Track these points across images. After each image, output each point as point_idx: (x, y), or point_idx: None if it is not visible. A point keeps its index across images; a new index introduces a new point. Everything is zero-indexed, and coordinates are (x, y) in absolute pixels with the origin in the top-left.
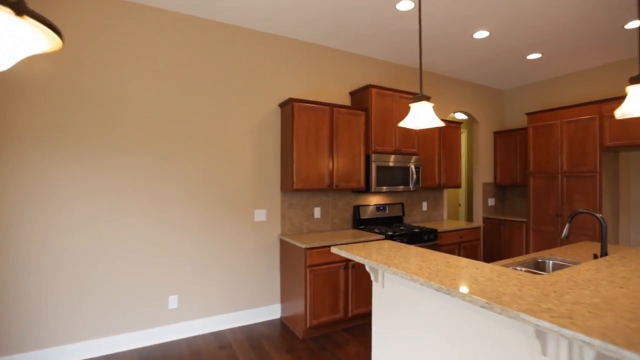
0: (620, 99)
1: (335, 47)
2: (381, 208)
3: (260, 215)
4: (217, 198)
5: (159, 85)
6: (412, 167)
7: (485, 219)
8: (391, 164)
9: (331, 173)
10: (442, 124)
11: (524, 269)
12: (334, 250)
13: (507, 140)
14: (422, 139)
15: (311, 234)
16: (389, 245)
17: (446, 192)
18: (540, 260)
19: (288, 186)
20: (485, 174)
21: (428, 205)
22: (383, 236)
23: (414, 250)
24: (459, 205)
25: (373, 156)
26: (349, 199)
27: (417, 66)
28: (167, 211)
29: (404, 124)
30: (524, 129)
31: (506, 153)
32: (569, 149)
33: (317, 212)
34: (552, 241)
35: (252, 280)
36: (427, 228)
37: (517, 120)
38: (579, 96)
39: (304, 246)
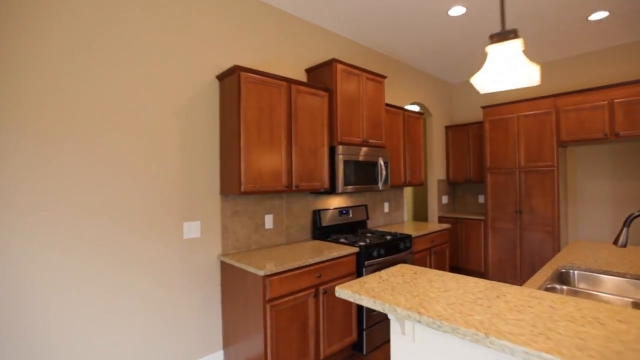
0: (577, 92)
1: (290, 12)
2: (344, 212)
3: (191, 229)
4: (128, 209)
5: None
6: (381, 162)
7: (440, 218)
8: (359, 159)
9: (290, 170)
10: (538, 79)
11: (565, 287)
12: (343, 295)
13: (459, 135)
14: (388, 130)
15: (263, 251)
16: (425, 276)
17: (406, 191)
18: (563, 270)
19: (233, 188)
20: (438, 170)
21: (390, 206)
22: (356, 249)
23: (471, 283)
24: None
25: (339, 148)
26: (306, 202)
27: (386, 52)
28: (38, 228)
29: (479, 81)
30: (477, 123)
31: (458, 148)
32: (526, 143)
33: (268, 221)
34: (511, 239)
35: (182, 323)
36: (401, 234)
37: (466, 114)
38: (533, 91)
39: (261, 273)
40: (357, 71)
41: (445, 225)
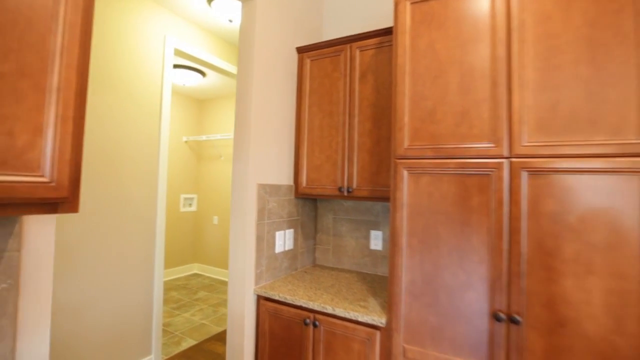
0: None
1: None
2: None
3: None
4: None
5: None
6: None
7: (263, 304)
8: None
9: None
10: None
11: None
12: None
13: (331, 74)
14: None
15: None
16: None
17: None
18: None
19: None
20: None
21: None
22: None
23: None
24: None
25: None
26: None
27: None
28: None
29: None
30: (377, 35)
31: (327, 107)
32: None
33: None
34: None
35: None
36: None
37: (344, 27)
38: None
39: None
40: None
41: None
